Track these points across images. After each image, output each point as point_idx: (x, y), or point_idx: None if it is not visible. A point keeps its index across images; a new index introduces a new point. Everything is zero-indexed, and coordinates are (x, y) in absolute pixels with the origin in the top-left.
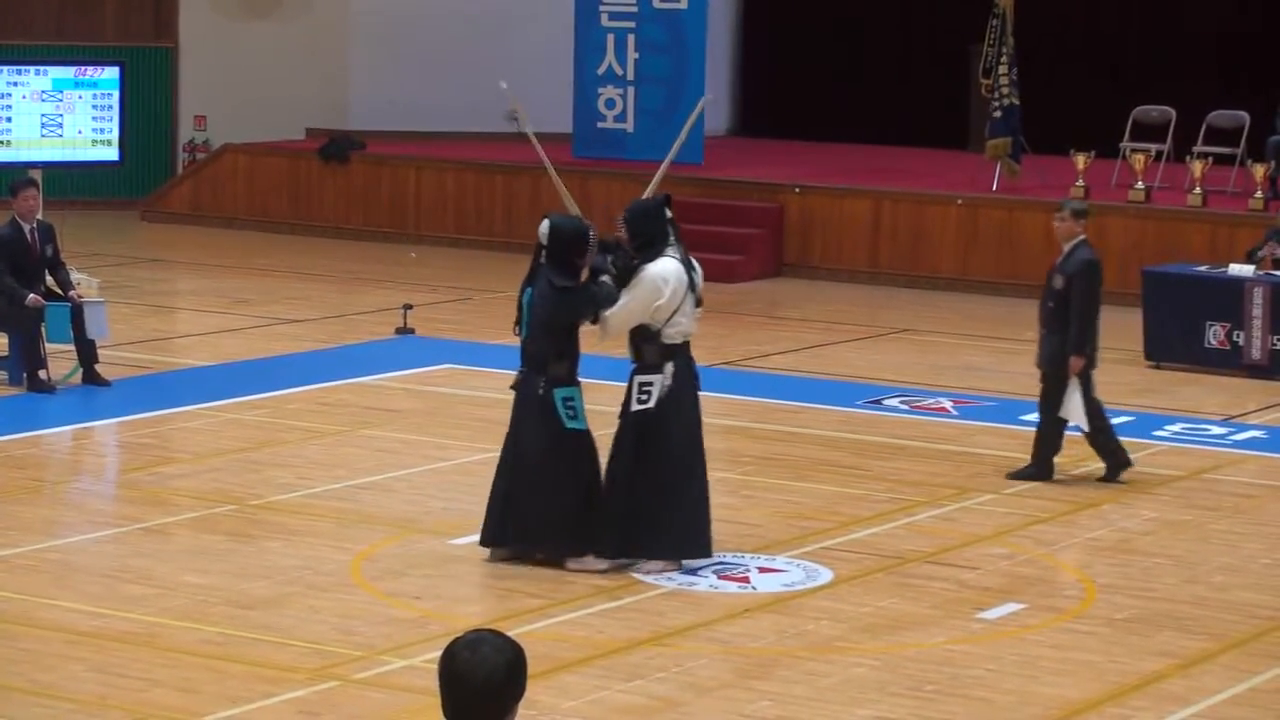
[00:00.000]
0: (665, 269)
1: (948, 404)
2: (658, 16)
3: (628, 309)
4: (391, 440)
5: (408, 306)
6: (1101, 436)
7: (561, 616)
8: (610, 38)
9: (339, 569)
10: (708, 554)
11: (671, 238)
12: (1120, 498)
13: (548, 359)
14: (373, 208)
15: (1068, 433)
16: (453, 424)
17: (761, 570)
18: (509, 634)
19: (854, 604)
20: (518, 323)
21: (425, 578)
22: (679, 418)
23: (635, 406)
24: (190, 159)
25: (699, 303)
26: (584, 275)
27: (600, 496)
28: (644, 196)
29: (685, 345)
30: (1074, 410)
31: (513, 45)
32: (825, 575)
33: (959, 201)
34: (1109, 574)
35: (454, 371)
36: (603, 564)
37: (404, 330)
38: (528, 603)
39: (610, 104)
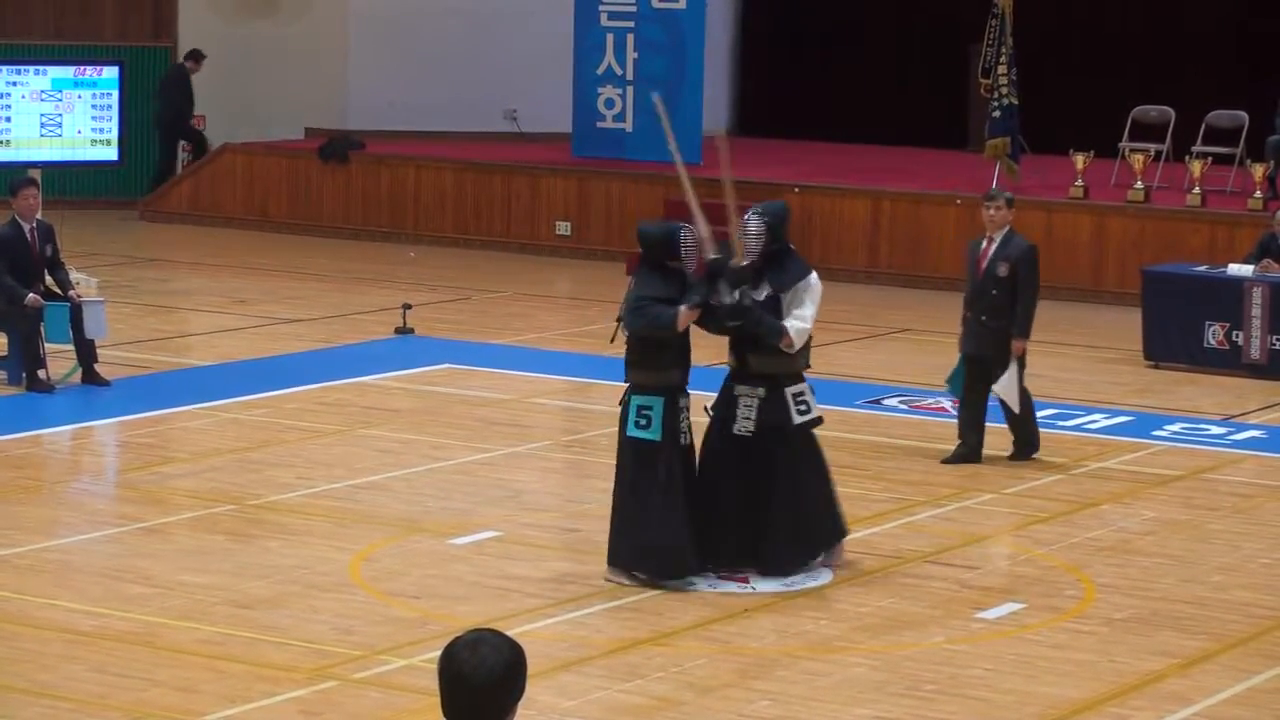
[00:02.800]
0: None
1: (947, 404)
2: (656, 16)
3: (812, 317)
4: (390, 440)
5: (407, 306)
6: (1024, 420)
7: (561, 616)
8: (609, 37)
9: (338, 569)
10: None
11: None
12: (1120, 498)
13: (631, 365)
14: (372, 207)
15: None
16: (452, 424)
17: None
18: (508, 634)
19: (853, 604)
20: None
21: (424, 577)
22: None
23: (798, 419)
24: (189, 159)
25: None
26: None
27: (683, 517)
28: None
29: None
30: (1010, 390)
31: (512, 45)
32: (825, 575)
33: (958, 201)
34: (1108, 574)
35: (453, 371)
36: (629, 582)
37: (403, 330)
38: (527, 602)
39: (609, 104)
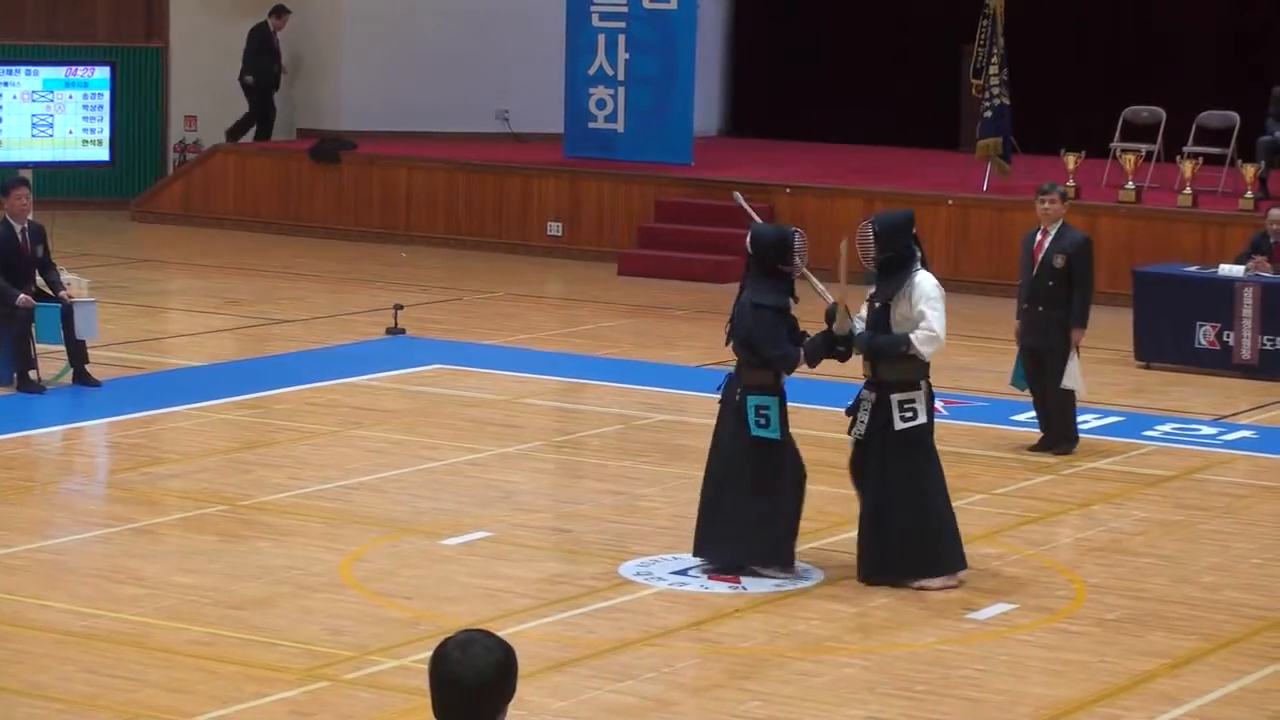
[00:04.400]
0: (934, 279)
1: (938, 404)
2: (648, 17)
3: (942, 320)
4: (382, 440)
5: (399, 307)
6: (1065, 414)
7: (552, 617)
8: (601, 38)
9: (329, 569)
10: (964, 565)
11: (920, 254)
12: (1111, 498)
13: (747, 366)
14: (363, 208)
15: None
16: (443, 424)
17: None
18: (499, 634)
19: (844, 604)
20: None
21: (415, 578)
22: (932, 437)
23: (900, 425)
24: (181, 159)
25: None
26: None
27: (796, 511)
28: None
29: None
30: (1077, 379)
31: (504, 46)
32: (816, 575)
33: (950, 201)
34: (1099, 574)
35: (444, 372)
36: (783, 576)
37: (395, 330)
38: (518, 603)
39: (601, 104)
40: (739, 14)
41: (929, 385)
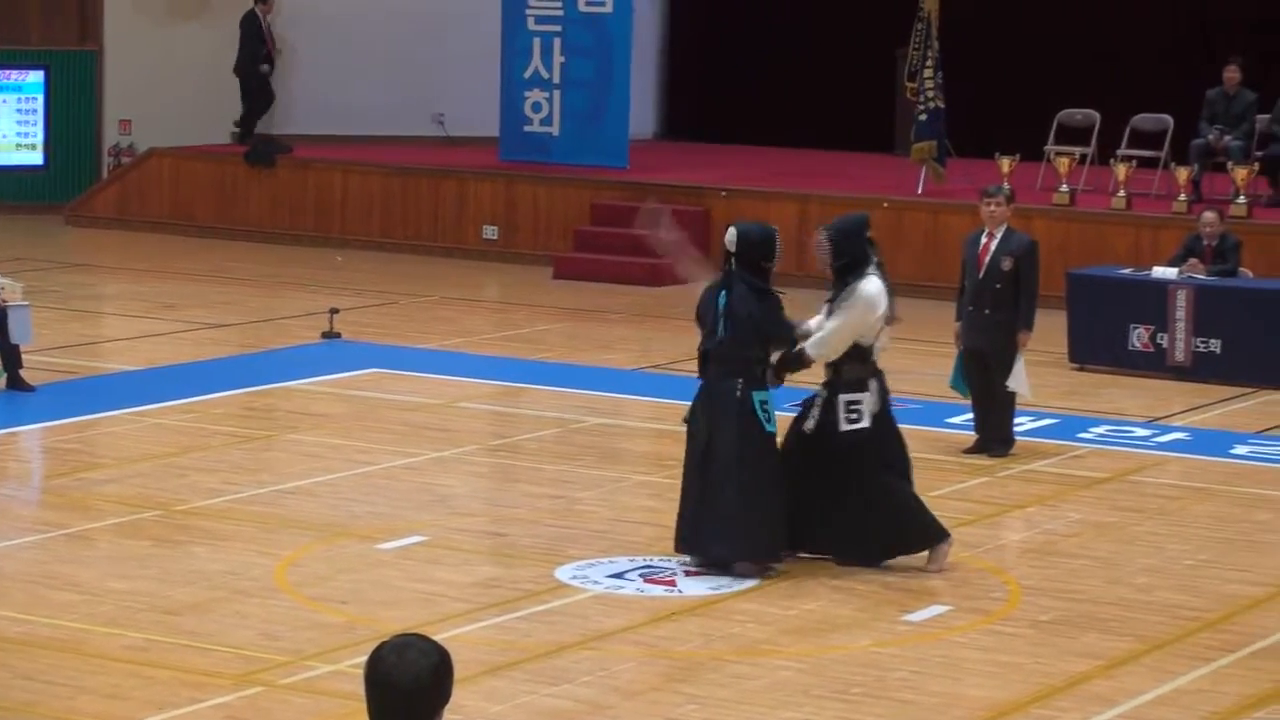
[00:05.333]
0: (876, 287)
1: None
2: (583, 20)
3: (844, 328)
4: (317, 445)
5: (334, 311)
6: (1005, 416)
7: (488, 620)
8: (536, 41)
9: (264, 574)
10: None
11: (874, 258)
12: (1045, 500)
13: (749, 361)
14: (299, 211)
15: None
16: (379, 428)
17: (688, 573)
18: (435, 638)
19: (780, 607)
20: (709, 329)
21: (351, 582)
22: (890, 432)
23: (846, 426)
24: (115, 163)
25: (894, 320)
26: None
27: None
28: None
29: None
30: (1022, 382)
31: (440, 49)
32: (751, 579)
33: (884, 204)
34: (1033, 576)
35: (380, 376)
36: (766, 569)
37: (330, 334)
38: (454, 607)
39: (536, 107)
40: (674, 17)
41: (881, 385)
